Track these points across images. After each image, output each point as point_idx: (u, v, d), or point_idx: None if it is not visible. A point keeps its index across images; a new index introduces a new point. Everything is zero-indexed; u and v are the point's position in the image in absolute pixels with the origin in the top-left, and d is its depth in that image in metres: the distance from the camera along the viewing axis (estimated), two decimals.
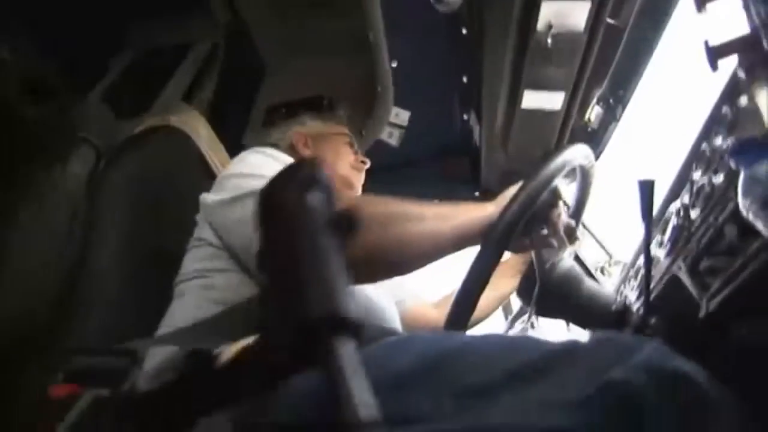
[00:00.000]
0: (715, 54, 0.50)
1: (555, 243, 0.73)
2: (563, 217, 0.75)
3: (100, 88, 1.62)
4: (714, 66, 0.51)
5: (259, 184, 0.70)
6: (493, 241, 0.66)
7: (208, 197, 0.78)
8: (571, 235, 0.74)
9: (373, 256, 0.61)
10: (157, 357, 0.53)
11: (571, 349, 0.48)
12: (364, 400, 0.27)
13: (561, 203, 0.74)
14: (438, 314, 1.15)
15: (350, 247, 0.36)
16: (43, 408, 0.43)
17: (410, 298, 1.13)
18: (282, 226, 0.36)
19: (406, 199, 0.69)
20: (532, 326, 0.94)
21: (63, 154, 0.72)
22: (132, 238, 0.80)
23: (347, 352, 0.28)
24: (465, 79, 1.56)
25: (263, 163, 0.77)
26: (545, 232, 0.73)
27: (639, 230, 0.93)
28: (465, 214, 0.70)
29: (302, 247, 0.34)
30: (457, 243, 0.69)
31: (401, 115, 1.64)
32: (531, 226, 0.72)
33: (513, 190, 0.70)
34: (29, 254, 0.65)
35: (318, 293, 0.31)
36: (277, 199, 0.38)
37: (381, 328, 0.71)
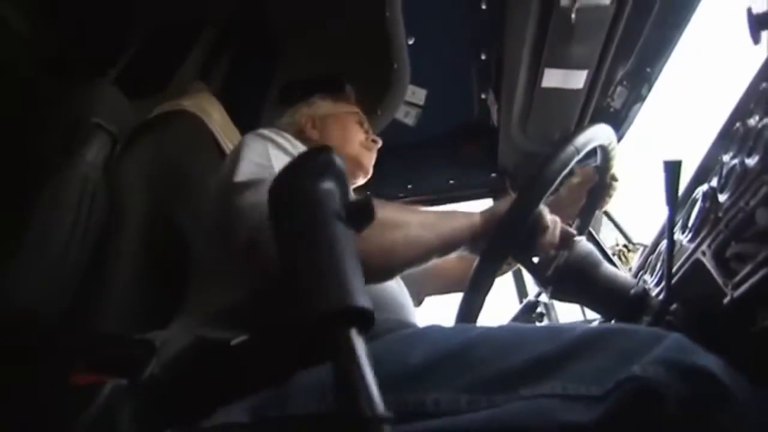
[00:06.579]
0: (758, 23, 0.46)
1: (552, 253, 0.72)
2: (554, 235, 0.72)
3: (114, 70, 1.61)
4: (756, 38, 0.47)
5: (263, 173, 0.70)
6: (489, 257, 0.68)
7: (216, 181, 0.77)
8: (567, 239, 0.72)
9: None
10: (174, 345, 0.53)
11: (589, 340, 0.48)
12: (373, 394, 0.28)
13: (547, 229, 0.71)
14: (456, 264, 1.08)
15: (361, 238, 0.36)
16: (66, 396, 0.44)
17: None
18: (296, 215, 0.36)
19: (392, 204, 0.70)
20: (545, 313, 0.93)
21: (79, 136, 0.72)
22: (149, 223, 0.80)
23: (360, 346, 0.29)
24: (484, 57, 1.51)
25: (263, 151, 0.76)
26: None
27: (661, 214, 0.90)
28: (450, 223, 0.70)
29: (317, 238, 0.34)
30: (442, 251, 0.69)
31: (418, 94, 1.61)
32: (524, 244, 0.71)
33: (504, 204, 0.70)
34: (47, 240, 0.65)
35: (334, 285, 0.31)
36: (290, 187, 0.38)
37: (398, 321, 0.71)
